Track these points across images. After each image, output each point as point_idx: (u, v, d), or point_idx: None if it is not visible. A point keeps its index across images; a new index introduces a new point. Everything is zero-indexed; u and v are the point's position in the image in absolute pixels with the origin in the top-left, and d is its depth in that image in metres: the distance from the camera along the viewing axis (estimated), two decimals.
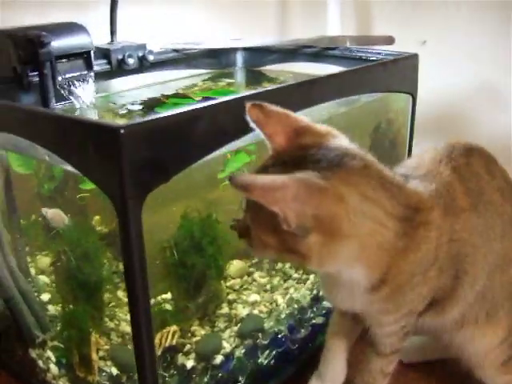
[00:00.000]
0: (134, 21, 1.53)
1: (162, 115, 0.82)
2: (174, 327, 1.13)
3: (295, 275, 1.45)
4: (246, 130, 0.87)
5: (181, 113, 0.84)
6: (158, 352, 1.09)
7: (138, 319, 0.85)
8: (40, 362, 1.20)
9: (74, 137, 0.84)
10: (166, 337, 1.11)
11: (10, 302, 1.23)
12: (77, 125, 0.86)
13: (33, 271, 1.33)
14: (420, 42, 1.83)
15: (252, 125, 0.84)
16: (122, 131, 0.76)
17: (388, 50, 1.43)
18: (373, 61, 1.36)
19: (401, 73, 1.35)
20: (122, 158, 0.76)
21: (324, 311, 1.33)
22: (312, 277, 1.43)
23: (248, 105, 0.84)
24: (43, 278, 1.32)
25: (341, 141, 0.86)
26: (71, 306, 1.14)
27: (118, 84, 1.44)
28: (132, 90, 1.45)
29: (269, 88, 1.07)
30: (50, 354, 1.20)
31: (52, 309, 1.26)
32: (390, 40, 1.47)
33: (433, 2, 1.81)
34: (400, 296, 0.91)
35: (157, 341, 1.09)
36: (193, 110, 0.85)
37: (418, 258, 0.88)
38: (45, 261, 1.33)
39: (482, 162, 1.04)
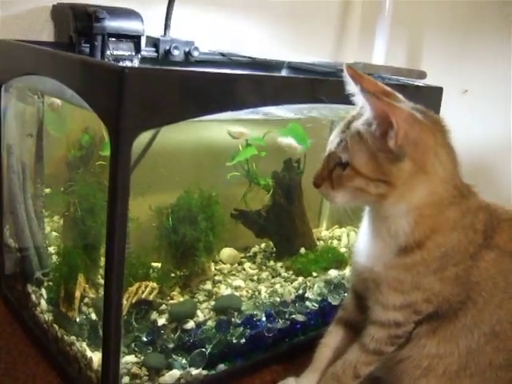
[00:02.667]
0: (192, 23, 1.65)
1: (165, 68, 0.93)
2: (153, 284, 1.21)
3: (284, 274, 1.51)
4: (234, 104, 0.99)
5: (181, 71, 0.95)
6: (133, 300, 1.16)
7: (111, 259, 0.95)
8: (33, 297, 1.29)
9: (92, 75, 0.96)
10: (144, 289, 1.19)
11: (21, 241, 1.34)
12: (93, 65, 0.99)
13: (48, 228, 1.43)
14: (462, 91, 1.89)
15: (348, 80, 0.98)
16: (127, 71, 0.87)
17: (420, 83, 1.50)
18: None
19: (422, 101, 1.41)
20: (123, 93, 0.87)
21: (307, 310, 1.38)
22: (300, 279, 1.49)
23: (346, 65, 0.99)
24: (54, 234, 1.42)
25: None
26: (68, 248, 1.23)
27: None
28: None
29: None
30: (43, 291, 1.30)
31: (55, 258, 1.36)
32: (422, 74, 1.54)
33: (480, 52, 1.87)
34: (421, 270, 0.97)
35: (133, 289, 1.17)
36: (193, 72, 0.97)
37: (455, 239, 0.97)
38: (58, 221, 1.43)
39: None
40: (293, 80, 1.16)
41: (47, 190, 1.41)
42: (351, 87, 0.99)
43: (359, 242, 1.06)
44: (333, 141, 0.98)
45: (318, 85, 1.14)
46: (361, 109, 0.96)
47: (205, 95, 0.97)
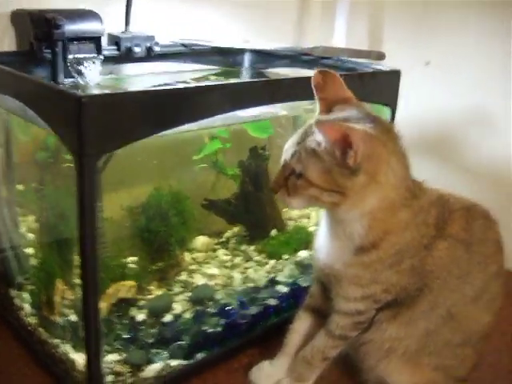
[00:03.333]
0: (152, 16, 1.67)
1: (120, 92, 0.97)
2: (131, 282, 1.27)
3: (257, 258, 1.59)
4: (185, 119, 1.04)
5: (136, 92, 1.00)
6: (112, 301, 1.23)
7: (85, 266, 1.01)
8: (17, 301, 1.35)
9: (52, 101, 1.01)
10: (122, 289, 1.25)
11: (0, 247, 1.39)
12: (54, 92, 1.03)
13: (23, 228, 1.47)
14: (424, 63, 1.93)
15: (313, 88, 1.04)
16: (84, 100, 0.91)
17: (381, 64, 1.55)
18: (357, 71, 1.49)
19: (380, 85, 1.46)
20: (82, 121, 0.92)
21: (279, 295, 1.45)
22: (272, 262, 1.56)
23: (316, 72, 1.05)
24: (30, 235, 1.47)
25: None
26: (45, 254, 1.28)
27: (131, 69, 1.59)
28: (139, 76, 1.59)
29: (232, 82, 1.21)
30: (25, 295, 1.36)
31: (33, 261, 1.41)
32: (380, 55, 1.58)
33: (439, 25, 1.90)
34: (378, 267, 1.04)
35: (111, 290, 1.24)
36: (147, 91, 1.02)
37: (409, 237, 1.04)
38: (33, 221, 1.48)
39: (489, 221, 1.13)
40: (248, 85, 1.19)
41: (20, 187, 1.44)
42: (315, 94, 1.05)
43: (319, 239, 1.12)
44: (287, 150, 1.03)
45: (274, 87, 1.18)
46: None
47: (160, 112, 1.01)
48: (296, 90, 1.08)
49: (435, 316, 1.09)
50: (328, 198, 0.99)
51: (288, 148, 1.03)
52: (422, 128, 1.93)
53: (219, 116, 1.11)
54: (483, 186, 1.79)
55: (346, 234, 1.04)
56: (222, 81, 1.49)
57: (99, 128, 0.94)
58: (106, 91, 1.38)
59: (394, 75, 1.47)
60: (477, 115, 1.84)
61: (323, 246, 1.10)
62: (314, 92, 1.05)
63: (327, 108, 1.04)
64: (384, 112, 1.47)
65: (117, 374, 1.16)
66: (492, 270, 1.10)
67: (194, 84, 1.08)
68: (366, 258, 1.03)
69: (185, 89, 1.06)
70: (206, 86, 1.09)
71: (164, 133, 1.04)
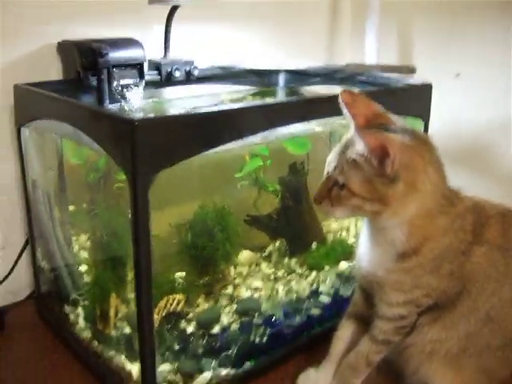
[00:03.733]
0: (191, 41, 1.75)
1: (170, 115, 1.04)
2: (179, 296, 1.33)
3: (299, 270, 1.63)
4: (229, 138, 1.10)
5: (184, 114, 1.06)
6: (163, 313, 1.29)
7: (140, 282, 1.07)
8: (72, 317, 1.42)
9: (106, 126, 1.08)
10: (172, 302, 1.31)
11: (55, 266, 1.47)
12: (108, 117, 1.11)
13: (76, 247, 1.55)
14: (455, 75, 1.97)
15: (342, 106, 1.07)
16: (136, 123, 0.98)
17: (412, 78, 1.61)
18: (390, 86, 1.54)
19: (412, 99, 1.51)
20: (136, 143, 0.99)
21: (322, 305, 1.50)
22: (314, 273, 1.61)
23: (341, 91, 1.08)
24: (83, 254, 1.54)
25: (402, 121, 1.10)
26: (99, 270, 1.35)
27: (172, 93, 1.66)
28: (179, 99, 1.66)
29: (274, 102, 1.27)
30: (79, 310, 1.43)
31: (87, 278, 1.48)
32: (411, 69, 1.64)
33: (468, 37, 1.94)
34: (419, 272, 1.08)
35: (162, 304, 1.30)
36: (194, 114, 1.09)
37: (447, 242, 1.08)
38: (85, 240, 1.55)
39: None
40: (285, 105, 1.25)
41: (71, 208, 1.51)
42: (345, 112, 1.09)
43: (360, 248, 1.16)
44: (330, 163, 1.08)
45: (310, 105, 1.23)
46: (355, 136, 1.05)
47: (205, 132, 1.07)
48: (330, 106, 1.13)
49: (475, 319, 1.12)
50: (370, 207, 1.03)
51: (330, 161, 1.08)
52: (455, 139, 1.96)
53: (259, 134, 1.16)
54: None
55: (387, 241, 1.08)
56: (259, 101, 1.54)
57: (150, 149, 1.00)
58: (152, 114, 1.44)
59: (426, 88, 1.52)
60: (507, 125, 1.85)
61: (365, 253, 1.14)
62: (346, 110, 1.08)
63: (364, 123, 1.08)
64: (417, 124, 1.51)
65: (170, 382, 1.21)
66: None
67: (234, 105, 1.13)
68: (407, 264, 1.07)
69: (226, 110, 1.12)
70: (245, 107, 1.16)
71: (208, 152, 1.09)
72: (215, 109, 1.08)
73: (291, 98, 1.48)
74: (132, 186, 1.00)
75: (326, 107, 1.20)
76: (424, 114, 1.54)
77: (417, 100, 1.50)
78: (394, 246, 1.08)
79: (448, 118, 1.93)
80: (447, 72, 1.97)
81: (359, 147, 1.02)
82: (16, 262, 1.59)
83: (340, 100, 1.09)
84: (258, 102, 1.37)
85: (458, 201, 1.10)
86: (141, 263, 1.05)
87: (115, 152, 1.04)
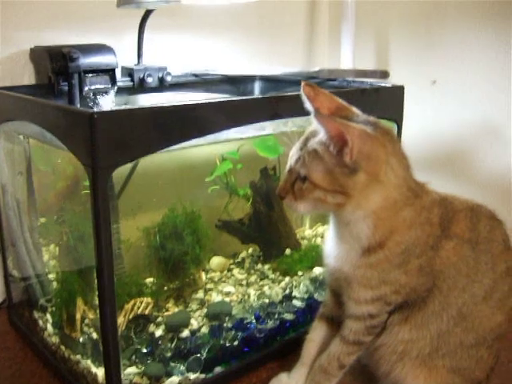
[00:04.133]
0: (164, 48, 1.76)
1: (130, 108, 1.03)
2: (147, 299, 1.31)
3: (271, 276, 1.62)
4: (192, 134, 1.10)
5: (144, 108, 1.06)
6: (129, 316, 1.27)
7: (103, 281, 1.06)
8: (40, 322, 1.41)
9: (66, 120, 1.07)
10: (139, 305, 1.30)
11: (24, 271, 1.45)
12: (67, 111, 1.10)
13: (46, 256, 1.53)
14: (431, 82, 1.98)
15: (304, 99, 1.07)
16: (96, 116, 0.97)
17: (384, 82, 1.60)
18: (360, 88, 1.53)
19: (383, 101, 1.51)
20: (94, 136, 0.98)
21: (295, 309, 1.48)
22: (287, 279, 1.60)
23: (303, 84, 1.08)
24: (52, 262, 1.52)
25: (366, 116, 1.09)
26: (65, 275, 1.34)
27: (145, 100, 1.66)
28: None
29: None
30: (48, 316, 1.41)
31: (56, 285, 1.45)
32: (385, 74, 1.63)
33: (443, 44, 1.96)
34: (386, 267, 1.06)
35: (129, 306, 1.28)
36: (154, 107, 1.07)
37: (413, 236, 1.06)
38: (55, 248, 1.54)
39: (495, 221, 1.16)
40: (248, 101, 1.25)
41: (42, 220, 1.49)
42: (308, 105, 1.08)
43: (327, 244, 1.15)
44: (292, 157, 1.07)
45: (276, 102, 1.23)
46: (317, 126, 1.04)
47: (168, 127, 1.07)
48: (296, 106, 1.12)
49: (446, 317, 1.10)
50: (332, 199, 1.02)
51: (292, 154, 1.07)
52: (432, 143, 1.97)
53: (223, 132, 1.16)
54: (493, 196, 1.80)
55: (352, 235, 1.07)
56: (222, 97, 1.53)
57: (110, 142, 0.99)
58: None
59: (398, 91, 1.51)
60: (484, 129, 1.88)
61: (331, 250, 1.13)
62: (308, 103, 1.08)
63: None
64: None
65: None
66: (501, 268, 1.12)
67: (197, 101, 1.13)
68: (374, 259, 1.06)
69: (188, 105, 1.11)
70: (207, 102, 1.15)
71: (176, 152, 1.08)
72: (177, 103, 1.07)
73: (251, 97, 1.46)
74: (92, 181, 0.99)
75: (290, 106, 1.19)
76: (397, 117, 1.53)
77: (389, 102, 1.50)
78: (360, 240, 1.06)
79: (426, 124, 1.94)
80: (424, 78, 1.99)
81: (320, 136, 1.01)
82: None
83: (302, 93, 1.08)
84: (220, 98, 1.35)
85: (423, 193, 1.09)
86: (101, 257, 1.04)
87: (75, 146, 1.04)
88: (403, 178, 1.05)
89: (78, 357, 1.26)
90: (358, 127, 1.00)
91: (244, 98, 1.23)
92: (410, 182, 1.06)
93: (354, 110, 1.11)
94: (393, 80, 1.62)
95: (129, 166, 1.31)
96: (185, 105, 1.10)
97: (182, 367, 1.26)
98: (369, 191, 1.01)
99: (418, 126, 1.99)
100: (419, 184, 1.10)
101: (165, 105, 1.07)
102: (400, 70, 2.01)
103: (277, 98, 1.23)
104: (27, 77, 1.54)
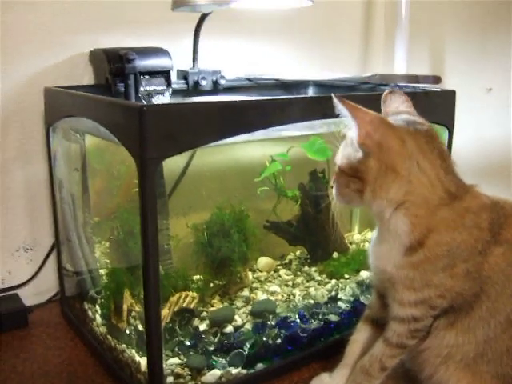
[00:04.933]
0: (220, 52, 1.81)
1: (178, 103, 1.07)
2: (193, 293, 1.35)
3: (318, 278, 1.63)
4: (243, 128, 1.14)
5: (193, 103, 1.09)
6: (174, 309, 1.30)
7: (148, 274, 1.09)
8: (89, 313, 1.45)
9: (118, 114, 1.12)
10: (184, 298, 1.33)
11: (76, 265, 1.50)
12: (119, 105, 1.15)
13: (98, 253, 1.58)
14: (486, 90, 1.96)
15: (382, 103, 1.15)
16: (145, 108, 1.01)
17: (439, 87, 1.61)
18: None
19: (434, 105, 1.51)
20: (144, 128, 1.02)
21: (340, 311, 1.48)
22: (333, 281, 1.61)
23: (386, 91, 1.18)
24: (104, 258, 1.57)
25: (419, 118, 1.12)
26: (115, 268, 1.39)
27: None
28: None
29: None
30: (97, 307, 1.46)
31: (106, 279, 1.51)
32: (436, 79, 1.63)
33: (498, 51, 1.94)
34: (428, 268, 1.06)
35: (174, 299, 1.31)
36: (204, 103, 1.13)
37: (458, 238, 1.06)
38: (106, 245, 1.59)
39: None
40: (294, 100, 1.27)
41: (96, 219, 1.54)
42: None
43: (371, 245, 1.16)
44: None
45: (324, 102, 1.25)
46: None
47: (216, 122, 1.10)
48: None
49: (494, 323, 1.09)
50: (353, 185, 1.06)
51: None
52: (487, 151, 1.94)
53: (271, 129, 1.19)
54: None
55: (391, 233, 1.07)
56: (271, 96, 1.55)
57: (158, 134, 1.03)
58: None
59: (449, 95, 1.51)
60: None
61: (375, 250, 1.14)
62: (382, 108, 1.15)
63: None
64: (441, 132, 1.50)
65: (177, 375, 1.21)
66: None
67: (245, 99, 1.16)
68: (415, 258, 1.05)
69: (236, 102, 1.15)
70: (256, 100, 1.17)
71: (225, 150, 1.10)
72: (222, 100, 1.10)
73: (301, 96, 1.49)
74: (140, 171, 1.03)
75: None
76: (448, 121, 1.53)
77: (439, 107, 1.50)
78: (399, 238, 1.07)
79: (481, 132, 1.92)
80: (479, 86, 1.97)
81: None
82: (43, 264, 1.64)
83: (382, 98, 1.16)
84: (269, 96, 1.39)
85: (468, 196, 1.08)
86: (147, 245, 1.07)
87: (125, 138, 1.08)
88: (435, 177, 1.05)
89: (124, 346, 1.29)
90: (372, 114, 1.02)
91: (287, 97, 1.25)
92: (445, 182, 1.06)
93: (412, 111, 1.15)
94: (447, 87, 1.61)
95: (181, 165, 1.35)
96: (230, 102, 1.15)
97: (224, 361, 1.27)
98: (386, 180, 1.03)
99: (473, 134, 1.97)
100: (463, 186, 1.09)
101: (211, 101, 1.09)
102: (454, 77, 2.00)
103: (325, 98, 1.24)
104: (87, 78, 1.61)
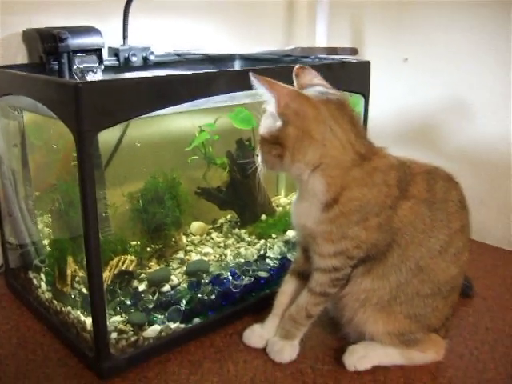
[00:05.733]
0: (148, 29, 1.88)
1: (110, 79, 1.16)
2: (131, 257, 1.45)
3: (248, 239, 1.76)
4: (169, 101, 1.23)
5: (123, 79, 1.20)
6: (115, 271, 1.41)
7: (89, 241, 1.18)
8: (34, 281, 1.54)
9: (55, 91, 1.20)
10: (124, 261, 1.43)
11: (20, 237, 1.58)
12: (56, 83, 1.24)
13: (40, 225, 1.66)
14: (403, 59, 2.11)
15: (294, 77, 1.25)
16: (80, 85, 1.10)
17: (355, 58, 1.73)
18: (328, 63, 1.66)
19: (350, 75, 1.63)
20: (79, 103, 1.11)
21: (269, 268, 1.61)
22: (262, 241, 1.74)
23: (296, 66, 1.26)
24: (46, 230, 1.65)
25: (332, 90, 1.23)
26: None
27: None
28: None
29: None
30: (41, 275, 1.54)
31: (49, 248, 1.59)
32: (354, 51, 1.75)
33: (414, 24, 2.08)
34: (344, 222, 1.19)
35: (114, 262, 1.42)
36: (134, 79, 1.22)
37: (368, 194, 1.19)
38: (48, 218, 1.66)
39: (451, 183, 1.29)
40: (218, 74, 1.37)
41: (36, 193, 1.62)
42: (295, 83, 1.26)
43: (294, 204, 1.29)
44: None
45: (247, 75, 1.35)
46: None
47: (146, 96, 1.19)
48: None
49: (405, 269, 1.23)
50: (275, 151, 1.17)
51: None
52: (404, 118, 2.12)
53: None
54: (464, 168, 1.94)
55: (310, 192, 1.20)
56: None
57: (93, 109, 1.12)
58: None
59: (364, 66, 1.64)
60: (451, 104, 2.01)
61: (297, 208, 1.27)
62: (295, 81, 1.25)
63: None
64: (357, 100, 1.64)
65: (120, 331, 1.31)
66: (455, 226, 1.25)
67: (172, 73, 1.25)
68: (331, 214, 1.19)
69: (162, 77, 1.26)
70: (180, 74, 1.27)
71: (155, 122, 1.19)
72: (154, 76, 1.20)
73: (217, 70, 1.60)
74: (78, 143, 1.12)
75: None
76: (363, 90, 1.66)
77: (355, 77, 1.63)
78: (317, 197, 1.19)
79: (398, 99, 2.10)
80: (396, 57, 2.11)
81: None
82: None
83: (293, 73, 1.26)
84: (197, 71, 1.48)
85: (376, 157, 1.21)
86: (87, 212, 1.16)
87: (64, 114, 1.16)
88: (346, 141, 1.17)
89: (69, 309, 1.39)
90: (288, 87, 1.15)
91: (207, 71, 1.35)
92: (356, 145, 1.19)
93: (324, 83, 1.26)
94: (366, 58, 1.73)
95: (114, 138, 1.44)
96: (156, 77, 1.26)
97: (163, 317, 1.38)
98: (303, 145, 1.15)
99: (391, 101, 2.11)
100: (372, 148, 1.22)
101: (141, 76, 1.19)
102: (373, 49, 2.14)
103: (246, 71, 1.35)
104: (20, 57, 1.65)
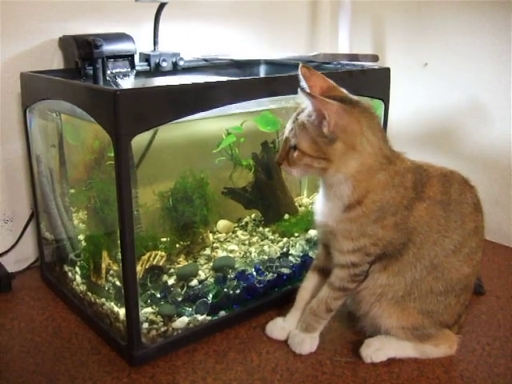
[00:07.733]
0: (178, 36, 1.97)
1: (146, 87, 1.24)
2: (161, 252, 1.54)
3: (271, 237, 1.84)
4: (202, 106, 1.31)
5: (158, 87, 1.28)
6: (146, 266, 1.49)
7: (124, 236, 1.26)
8: (69, 274, 1.63)
9: (94, 97, 1.28)
10: (154, 257, 1.52)
11: (55, 233, 1.67)
12: (95, 90, 1.33)
13: (76, 221, 1.75)
14: (423, 64, 2.16)
15: (301, 79, 1.26)
16: (118, 92, 1.19)
17: (376, 65, 1.79)
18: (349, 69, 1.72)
19: (370, 81, 1.70)
20: (117, 109, 1.19)
21: (291, 264, 1.68)
22: (285, 239, 1.82)
23: (300, 65, 1.27)
24: (82, 226, 1.74)
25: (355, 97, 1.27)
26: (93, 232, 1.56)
27: (160, 82, 1.87)
28: None
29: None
30: (76, 269, 1.63)
31: (84, 244, 1.68)
32: (375, 57, 1.82)
33: (433, 30, 2.12)
34: (364, 221, 1.25)
35: (145, 257, 1.50)
36: (166, 87, 1.29)
37: (388, 196, 1.25)
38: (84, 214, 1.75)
39: (466, 186, 1.36)
40: (247, 81, 1.45)
41: (72, 191, 1.70)
42: (303, 84, 1.28)
43: (317, 204, 1.35)
44: (287, 128, 1.27)
45: (271, 82, 1.44)
46: (305, 102, 1.23)
47: (179, 102, 1.27)
48: (291, 85, 1.31)
49: (420, 266, 1.30)
50: (318, 164, 1.23)
51: (287, 126, 1.27)
52: (424, 121, 2.17)
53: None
54: (480, 170, 2.00)
55: (336, 195, 1.26)
56: (225, 78, 1.73)
57: (130, 114, 1.20)
58: None
59: (384, 72, 1.71)
60: (471, 108, 2.05)
61: (320, 207, 1.33)
62: (303, 82, 1.28)
63: (320, 94, 1.27)
64: (377, 105, 1.69)
65: (151, 322, 1.40)
66: (469, 227, 1.31)
67: (203, 81, 1.33)
68: (353, 214, 1.25)
69: (195, 84, 1.32)
70: (212, 82, 1.35)
71: (186, 126, 1.30)
72: (183, 84, 1.28)
73: (251, 77, 1.67)
74: (115, 146, 1.20)
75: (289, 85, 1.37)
76: (383, 96, 1.72)
77: (375, 83, 1.69)
78: (341, 199, 1.26)
79: (418, 104, 2.15)
80: (416, 62, 2.17)
81: (307, 110, 1.21)
82: (22, 233, 1.79)
83: (299, 73, 1.28)
84: (223, 79, 1.56)
85: (398, 161, 1.28)
86: (124, 210, 1.24)
87: (102, 118, 1.25)
88: (378, 147, 1.24)
89: (103, 300, 1.47)
90: (336, 104, 1.18)
91: (242, 78, 1.43)
92: (384, 150, 1.25)
93: (342, 90, 1.30)
94: (387, 63, 1.81)
95: (146, 140, 1.53)
96: (191, 84, 1.31)
97: (191, 310, 1.46)
98: (347, 158, 1.21)
99: (410, 106, 2.17)
100: (394, 153, 1.29)
101: (174, 84, 1.28)
102: (394, 54, 2.20)
103: (273, 79, 1.43)
104: (56, 63, 1.75)
